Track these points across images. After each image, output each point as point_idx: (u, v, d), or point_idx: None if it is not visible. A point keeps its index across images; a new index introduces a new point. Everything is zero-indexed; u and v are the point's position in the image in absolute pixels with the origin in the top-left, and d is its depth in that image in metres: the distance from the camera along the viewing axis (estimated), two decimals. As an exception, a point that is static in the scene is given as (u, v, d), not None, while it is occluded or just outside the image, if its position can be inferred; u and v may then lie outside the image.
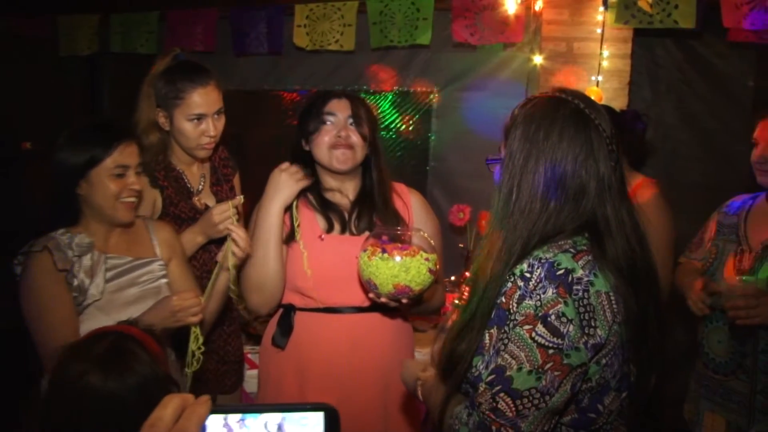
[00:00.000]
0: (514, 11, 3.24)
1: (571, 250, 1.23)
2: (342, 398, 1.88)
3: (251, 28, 3.82)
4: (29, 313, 1.76)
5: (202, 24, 3.92)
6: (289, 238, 1.97)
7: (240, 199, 2.00)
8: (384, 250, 1.73)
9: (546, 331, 1.16)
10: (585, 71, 3.29)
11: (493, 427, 1.17)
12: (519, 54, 3.52)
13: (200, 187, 2.27)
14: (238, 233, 1.86)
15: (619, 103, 3.18)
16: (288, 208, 1.97)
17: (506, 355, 1.18)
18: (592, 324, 1.18)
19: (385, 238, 1.78)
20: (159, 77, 2.12)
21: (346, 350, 1.94)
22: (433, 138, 3.85)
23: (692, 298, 2.13)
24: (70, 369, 1.23)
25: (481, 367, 1.24)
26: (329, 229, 1.98)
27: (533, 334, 1.17)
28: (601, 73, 3.25)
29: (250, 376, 2.63)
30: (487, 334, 1.25)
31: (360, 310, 1.96)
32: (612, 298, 1.21)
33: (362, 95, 2.11)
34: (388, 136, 3.95)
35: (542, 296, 1.18)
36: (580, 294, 1.18)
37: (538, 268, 1.20)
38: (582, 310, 1.18)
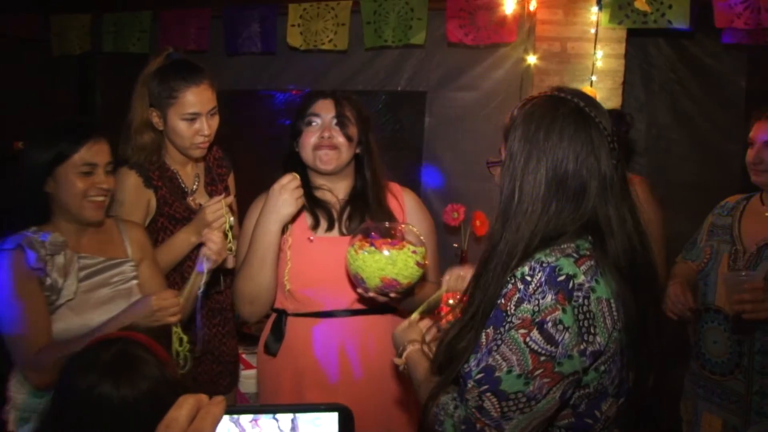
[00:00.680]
0: (508, 11, 3.25)
1: (574, 254, 1.22)
2: (340, 402, 1.86)
3: (244, 27, 3.81)
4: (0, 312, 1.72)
5: (194, 24, 3.90)
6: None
7: (230, 198, 1.99)
8: (372, 245, 1.72)
9: (540, 338, 1.15)
10: (579, 71, 3.30)
11: (478, 425, 1.18)
12: (513, 54, 3.51)
13: (195, 187, 2.26)
14: (214, 240, 1.87)
15: (612, 103, 3.19)
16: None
17: (497, 356, 1.18)
18: (592, 331, 1.17)
19: (374, 233, 1.77)
20: (152, 76, 2.11)
21: (341, 353, 1.93)
22: (426, 138, 3.84)
23: (672, 301, 2.11)
24: (79, 381, 1.18)
25: (473, 363, 1.24)
26: (315, 225, 1.97)
27: (527, 339, 1.16)
28: (595, 73, 3.26)
29: (245, 376, 2.63)
30: (484, 334, 1.25)
31: (353, 312, 1.95)
32: (613, 305, 1.21)
33: (355, 95, 2.08)
34: (381, 136, 3.94)
35: (541, 301, 1.17)
36: (581, 301, 1.17)
37: (539, 271, 1.20)
38: (582, 317, 1.17)
